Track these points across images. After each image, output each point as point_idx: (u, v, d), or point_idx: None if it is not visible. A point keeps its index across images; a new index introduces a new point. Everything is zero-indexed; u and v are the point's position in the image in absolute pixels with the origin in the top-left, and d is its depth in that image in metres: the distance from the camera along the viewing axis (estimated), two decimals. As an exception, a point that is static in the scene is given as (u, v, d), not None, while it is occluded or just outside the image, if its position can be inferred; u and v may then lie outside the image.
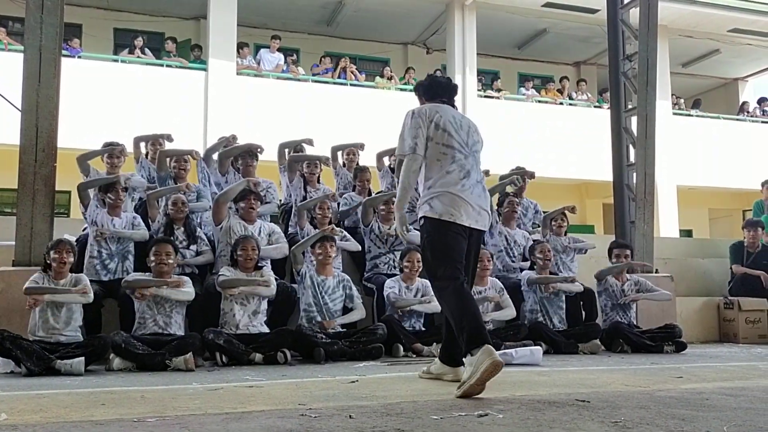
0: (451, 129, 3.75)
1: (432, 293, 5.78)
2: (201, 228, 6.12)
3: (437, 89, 4.02)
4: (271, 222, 6.48)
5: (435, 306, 5.64)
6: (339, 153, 7.86)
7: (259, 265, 5.41)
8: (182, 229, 5.80)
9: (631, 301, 6.31)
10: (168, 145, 7.01)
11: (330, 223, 6.28)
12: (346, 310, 5.60)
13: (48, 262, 4.76)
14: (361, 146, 7.88)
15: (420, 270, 5.86)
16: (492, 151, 14.45)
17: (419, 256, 5.89)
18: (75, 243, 5.54)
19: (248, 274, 5.24)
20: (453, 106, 3.99)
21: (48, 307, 4.62)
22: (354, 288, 5.67)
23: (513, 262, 6.72)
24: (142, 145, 7.01)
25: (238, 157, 6.76)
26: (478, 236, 3.81)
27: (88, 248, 5.56)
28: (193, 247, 5.80)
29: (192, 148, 6.75)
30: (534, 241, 6.76)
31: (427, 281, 5.93)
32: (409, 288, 5.76)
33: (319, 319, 5.39)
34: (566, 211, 7.08)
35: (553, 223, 7.05)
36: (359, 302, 5.63)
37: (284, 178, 7.37)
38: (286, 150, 7.56)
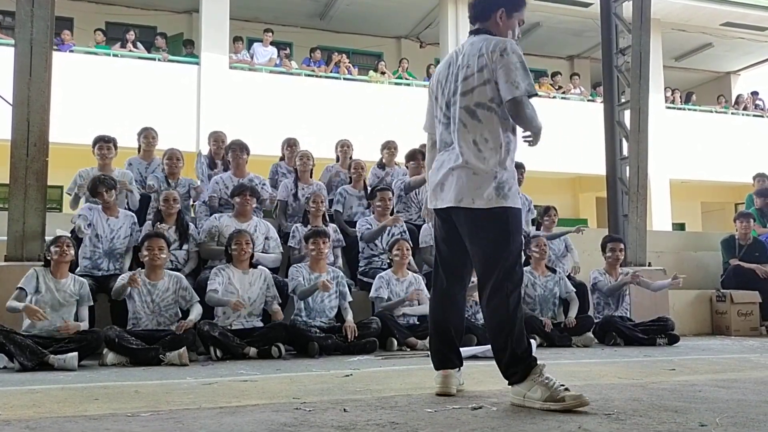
0: (438, 92, 3.07)
1: (424, 291, 5.81)
2: (194, 224, 6.08)
3: (471, 12, 3.08)
4: (264, 219, 6.45)
5: (423, 309, 5.65)
6: (336, 147, 7.76)
7: (254, 262, 5.40)
8: (174, 227, 5.74)
9: (624, 284, 6.31)
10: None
11: (323, 217, 6.27)
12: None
13: (48, 258, 4.75)
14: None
15: (409, 260, 5.85)
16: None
17: (407, 245, 5.91)
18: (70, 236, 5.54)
19: (243, 270, 5.23)
20: (487, 32, 2.99)
21: (41, 309, 4.59)
22: (347, 285, 5.65)
23: None
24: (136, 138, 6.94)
25: (228, 150, 6.72)
26: (462, 216, 2.90)
27: (81, 249, 5.48)
28: (186, 247, 5.75)
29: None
30: (528, 235, 6.77)
31: (419, 276, 5.95)
32: (400, 281, 5.76)
33: (313, 316, 5.38)
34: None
35: (546, 219, 7.09)
36: (348, 304, 5.54)
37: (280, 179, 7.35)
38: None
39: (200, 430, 2.26)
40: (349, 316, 5.42)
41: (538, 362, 2.75)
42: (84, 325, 4.73)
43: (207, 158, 7.17)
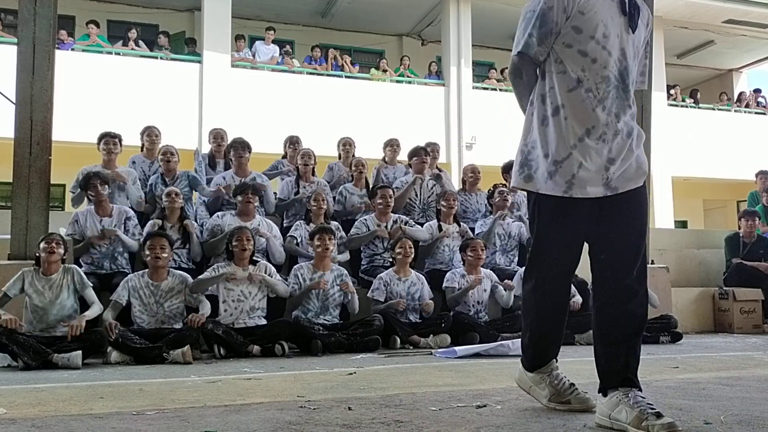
0: None
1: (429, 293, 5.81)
2: (196, 221, 6.09)
3: None
4: (267, 217, 6.44)
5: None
6: (338, 145, 7.73)
7: (254, 259, 5.40)
8: (176, 227, 5.72)
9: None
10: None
11: (325, 215, 6.26)
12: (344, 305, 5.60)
13: (38, 255, 4.73)
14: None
15: (412, 259, 5.83)
16: (489, 143, 14.48)
17: (411, 243, 5.85)
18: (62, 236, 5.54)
19: (243, 267, 5.23)
20: None
21: (36, 309, 4.60)
22: (351, 283, 5.65)
23: (508, 264, 6.64)
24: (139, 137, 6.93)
25: (230, 148, 6.71)
26: None
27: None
28: (188, 245, 5.75)
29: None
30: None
31: (422, 276, 5.93)
32: (401, 280, 5.74)
33: (317, 314, 5.38)
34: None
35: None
36: (355, 297, 5.56)
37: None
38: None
39: (206, 428, 2.27)
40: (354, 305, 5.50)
41: (555, 360, 2.61)
42: (96, 308, 4.72)
43: (207, 157, 7.16)
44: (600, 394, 2.38)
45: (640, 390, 2.31)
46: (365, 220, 6.39)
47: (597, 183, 2.35)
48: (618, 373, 2.35)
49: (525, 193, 2.63)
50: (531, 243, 2.52)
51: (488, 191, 7.05)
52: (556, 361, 2.62)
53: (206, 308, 4.97)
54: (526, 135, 2.48)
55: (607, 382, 2.37)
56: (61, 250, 4.76)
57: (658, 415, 2.16)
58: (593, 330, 2.50)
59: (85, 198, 5.96)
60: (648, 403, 2.23)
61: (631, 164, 2.40)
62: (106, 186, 5.64)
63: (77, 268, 4.88)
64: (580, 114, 2.35)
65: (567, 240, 2.44)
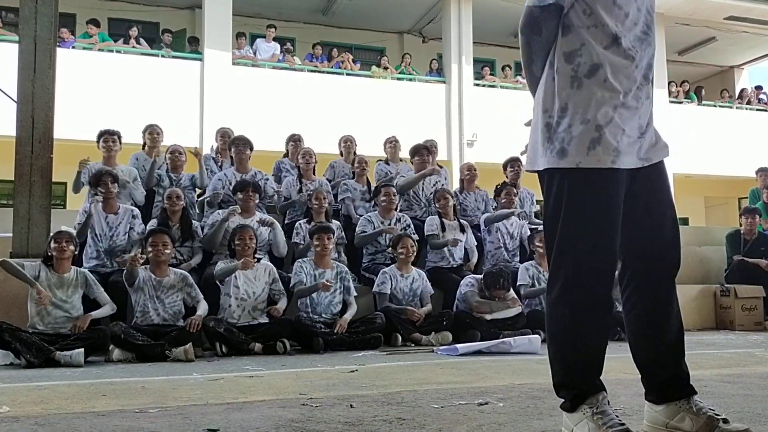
0: None
1: (430, 289, 5.82)
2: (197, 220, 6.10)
3: None
4: (269, 214, 6.44)
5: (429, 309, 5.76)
6: (339, 143, 7.74)
7: (257, 257, 5.41)
8: (177, 225, 5.72)
9: None
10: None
11: (326, 213, 6.24)
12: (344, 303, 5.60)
13: (49, 254, 4.75)
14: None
15: (414, 256, 5.82)
16: (490, 140, 14.45)
17: (412, 241, 5.85)
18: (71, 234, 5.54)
19: (249, 266, 5.23)
20: None
21: (49, 305, 4.60)
22: (351, 281, 5.65)
23: (509, 260, 6.61)
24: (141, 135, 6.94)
25: (231, 145, 6.72)
26: None
27: (85, 249, 5.50)
28: (188, 244, 5.75)
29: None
30: (531, 229, 6.74)
31: (422, 272, 5.92)
32: (404, 276, 5.74)
33: (318, 312, 5.38)
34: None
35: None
36: (353, 299, 5.56)
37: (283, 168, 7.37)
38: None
39: (208, 425, 2.27)
40: (348, 313, 5.41)
41: (600, 392, 2.03)
42: (107, 308, 4.82)
43: (212, 156, 7.20)
44: (649, 402, 2.14)
45: (696, 393, 2.07)
46: (369, 217, 6.36)
47: (632, 152, 2.00)
48: (678, 380, 2.10)
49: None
50: (557, 236, 1.99)
51: (495, 189, 6.99)
52: (605, 392, 2.05)
53: (203, 308, 4.98)
54: (548, 103, 2.03)
55: (663, 394, 2.10)
56: (72, 247, 4.80)
57: (725, 421, 1.98)
58: (634, 335, 2.19)
59: (89, 191, 5.97)
60: (711, 409, 2.02)
61: (656, 132, 2.12)
62: (116, 184, 5.66)
63: (88, 272, 4.92)
64: (620, 76, 1.97)
65: (610, 223, 1.97)
